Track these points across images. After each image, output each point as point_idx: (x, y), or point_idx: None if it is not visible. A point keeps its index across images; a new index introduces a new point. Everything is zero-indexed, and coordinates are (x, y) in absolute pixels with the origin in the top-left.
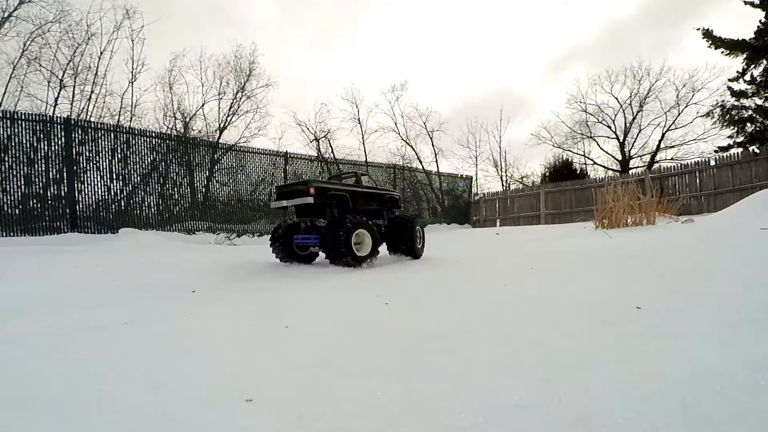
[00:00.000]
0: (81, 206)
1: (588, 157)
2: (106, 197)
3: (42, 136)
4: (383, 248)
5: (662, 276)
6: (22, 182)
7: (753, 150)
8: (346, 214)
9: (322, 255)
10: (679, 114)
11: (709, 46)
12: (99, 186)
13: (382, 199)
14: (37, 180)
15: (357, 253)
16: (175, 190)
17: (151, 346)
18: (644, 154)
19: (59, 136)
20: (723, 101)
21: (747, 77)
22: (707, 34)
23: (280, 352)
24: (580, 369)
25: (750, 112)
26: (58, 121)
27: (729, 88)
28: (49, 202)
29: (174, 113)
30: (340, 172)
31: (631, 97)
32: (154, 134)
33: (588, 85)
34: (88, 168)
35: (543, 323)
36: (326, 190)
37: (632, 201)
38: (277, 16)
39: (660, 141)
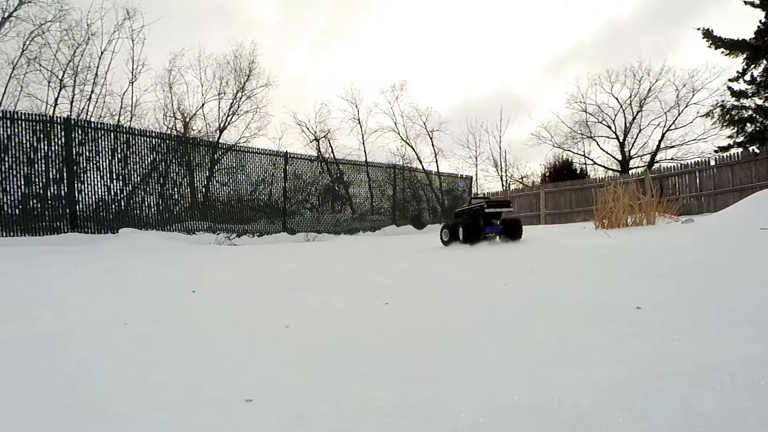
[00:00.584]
0: (81, 206)
1: (588, 157)
2: (106, 197)
3: (42, 136)
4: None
5: (662, 276)
6: (22, 182)
7: (753, 150)
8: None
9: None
10: (679, 114)
11: (709, 46)
12: (99, 186)
13: None
14: (37, 180)
15: None
16: (175, 190)
17: (151, 346)
18: (644, 154)
19: (59, 136)
20: (723, 101)
21: (747, 77)
22: (707, 34)
23: (280, 352)
24: (580, 369)
25: (750, 112)
26: (58, 121)
27: (729, 88)
28: (49, 202)
29: (174, 113)
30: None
31: (631, 97)
32: (154, 134)
33: (588, 85)
34: (88, 168)
35: (543, 323)
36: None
37: (632, 201)
38: (277, 16)
39: (660, 141)
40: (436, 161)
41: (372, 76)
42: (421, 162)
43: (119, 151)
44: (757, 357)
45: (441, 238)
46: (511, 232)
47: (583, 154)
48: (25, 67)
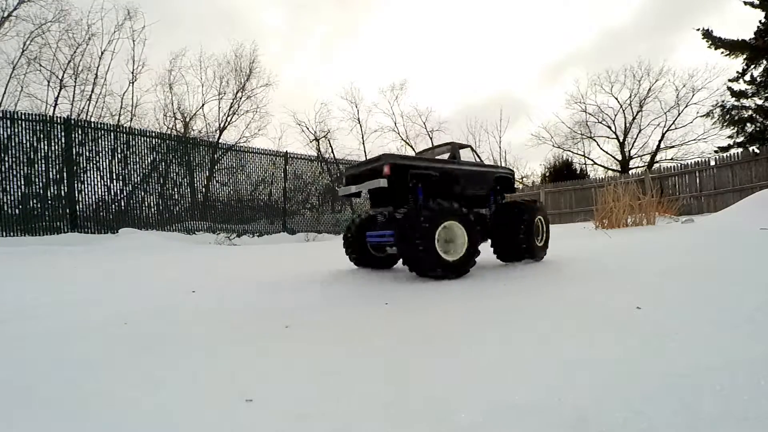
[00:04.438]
0: (81, 206)
1: (588, 158)
2: (106, 197)
3: (42, 136)
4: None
5: (662, 276)
6: (22, 182)
7: (753, 150)
8: (430, 200)
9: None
10: (679, 114)
11: (709, 47)
12: (99, 186)
13: (488, 179)
14: (37, 180)
15: (445, 257)
16: (175, 190)
17: (151, 346)
18: (644, 154)
19: (59, 136)
20: (723, 101)
21: (747, 77)
22: (707, 34)
23: (280, 352)
24: (580, 369)
25: (750, 112)
26: (58, 121)
27: (729, 88)
28: (49, 202)
29: (174, 113)
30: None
31: (630, 97)
32: (154, 134)
33: (588, 86)
34: (88, 168)
35: (543, 323)
36: (406, 168)
37: (632, 201)
38: (279, 19)
39: (660, 141)
40: None
41: (372, 76)
42: None
43: (119, 151)
44: (757, 357)
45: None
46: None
47: (583, 154)
48: (25, 67)
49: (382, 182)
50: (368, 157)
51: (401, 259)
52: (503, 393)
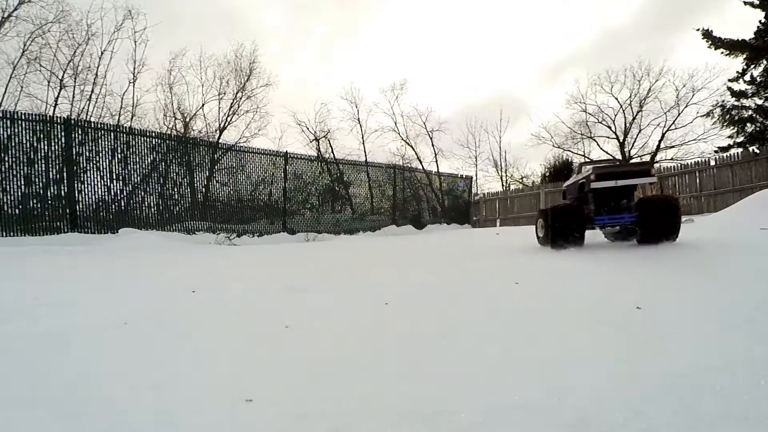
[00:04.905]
0: (81, 206)
1: (588, 158)
2: (106, 197)
3: (42, 136)
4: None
5: (662, 275)
6: (22, 182)
7: (753, 150)
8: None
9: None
10: (679, 114)
11: (709, 47)
12: (99, 186)
13: None
14: (37, 180)
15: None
16: (175, 190)
17: (151, 346)
18: (644, 155)
19: (59, 136)
20: (723, 101)
21: (747, 77)
22: (707, 34)
23: (280, 352)
24: (580, 369)
25: (750, 112)
26: (58, 121)
27: (729, 88)
28: (49, 202)
29: (174, 113)
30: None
31: (630, 97)
32: (154, 134)
33: (588, 86)
34: (88, 168)
35: (543, 323)
36: None
37: None
38: (279, 18)
39: (660, 141)
40: (436, 161)
41: (372, 76)
42: (421, 162)
43: (119, 151)
44: (757, 357)
45: (536, 234)
46: (655, 227)
47: (583, 154)
48: (25, 67)
49: (653, 179)
50: (614, 161)
51: (644, 232)
52: (503, 393)
